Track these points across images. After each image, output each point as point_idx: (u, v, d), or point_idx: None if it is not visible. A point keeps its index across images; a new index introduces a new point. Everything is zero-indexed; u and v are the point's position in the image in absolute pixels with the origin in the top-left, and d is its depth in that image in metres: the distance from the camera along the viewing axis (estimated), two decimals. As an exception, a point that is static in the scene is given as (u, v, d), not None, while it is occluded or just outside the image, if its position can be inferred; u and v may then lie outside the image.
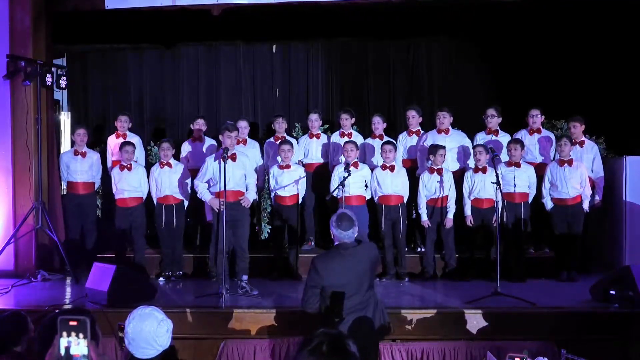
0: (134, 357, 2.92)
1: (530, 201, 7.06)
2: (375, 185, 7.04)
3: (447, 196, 6.97)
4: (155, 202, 7.23)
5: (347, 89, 9.47)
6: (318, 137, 7.88)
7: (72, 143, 8.12)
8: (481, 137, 7.52)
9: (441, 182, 6.95)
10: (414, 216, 7.42)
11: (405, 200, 7.08)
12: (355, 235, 4.25)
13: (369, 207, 7.11)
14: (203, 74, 9.56)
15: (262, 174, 7.74)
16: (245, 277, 6.42)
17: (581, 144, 7.22)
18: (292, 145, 7.30)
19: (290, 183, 7.10)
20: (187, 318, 5.51)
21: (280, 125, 7.89)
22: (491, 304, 5.67)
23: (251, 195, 6.58)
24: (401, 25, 8.79)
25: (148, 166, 7.74)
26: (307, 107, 9.24)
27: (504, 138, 7.42)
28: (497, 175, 6.10)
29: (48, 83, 7.45)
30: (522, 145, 7.04)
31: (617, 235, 7.39)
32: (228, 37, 9.24)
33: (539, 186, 7.07)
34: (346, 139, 7.50)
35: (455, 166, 7.40)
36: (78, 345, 2.06)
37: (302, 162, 7.72)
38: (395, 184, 7.00)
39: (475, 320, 5.42)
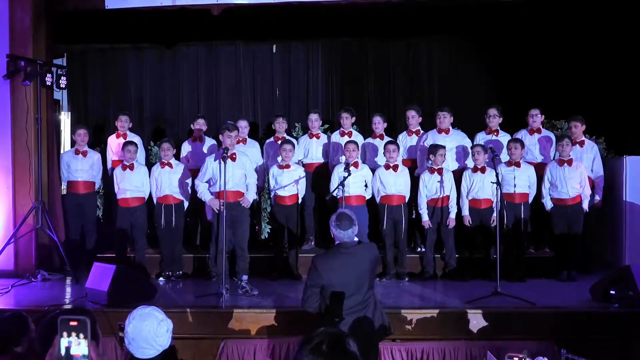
0: (134, 357, 2.92)
1: (530, 201, 7.06)
2: (378, 185, 7.05)
3: (447, 196, 6.97)
4: (155, 202, 7.23)
5: (347, 89, 9.47)
6: (318, 137, 7.88)
7: (73, 143, 8.12)
8: (481, 137, 7.52)
9: (441, 182, 6.95)
10: (413, 216, 7.41)
11: (407, 200, 7.08)
12: (355, 235, 4.24)
13: (369, 207, 7.11)
14: (203, 74, 9.56)
15: (262, 174, 7.74)
16: (245, 277, 6.43)
17: (581, 143, 7.22)
18: (293, 145, 7.30)
19: (290, 183, 7.10)
20: (187, 318, 5.51)
21: (281, 125, 7.89)
22: (491, 303, 5.67)
23: (251, 196, 6.58)
24: (401, 25, 8.79)
25: (148, 166, 7.73)
26: (307, 107, 9.24)
27: (504, 138, 7.42)
28: (497, 175, 6.10)
29: (48, 83, 7.45)
30: (522, 144, 7.04)
31: (617, 235, 7.39)
32: (228, 37, 9.24)
33: (539, 186, 7.08)
34: (346, 138, 7.51)
35: (455, 166, 7.40)
36: (78, 345, 2.05)
37: (302, 162, 7.72)
38: (399, 184, 7.01)
39: (475, 320, 5.43)
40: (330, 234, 4.39)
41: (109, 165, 7.87)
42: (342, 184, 6.52)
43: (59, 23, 7.90)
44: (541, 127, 7.56)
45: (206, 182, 6.55)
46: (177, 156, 7.52)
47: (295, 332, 5.25)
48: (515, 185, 6.89)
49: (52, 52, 7.92)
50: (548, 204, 7.03)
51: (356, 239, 4.30)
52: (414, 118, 7.64)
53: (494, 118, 7.45)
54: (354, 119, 7.79)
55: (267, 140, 8.03)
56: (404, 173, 7.08)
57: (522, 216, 6.93)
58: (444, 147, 7.05)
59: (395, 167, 7.00)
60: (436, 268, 7.15)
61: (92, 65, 9.63)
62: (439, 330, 5.44)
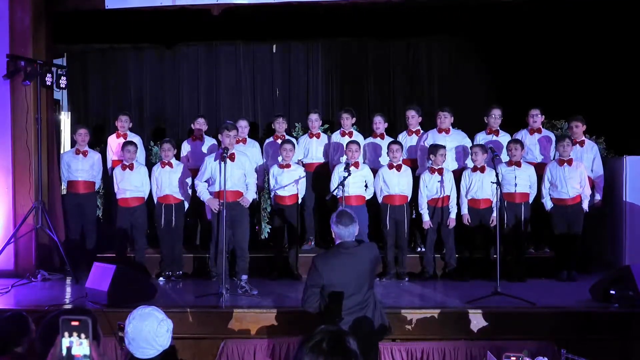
0: (134, 357, 2.92)
1: (530, 201, 7.06)
2: (381, 184, 7.05)
3: (447, 196, 6.98)
4: (155, 201, 7.24)
5: (347, 89, 9.47)
6: (318, 136, 7.88)
7: (73, 143, 8.13)
8: (482, 137, 7.52)
9: (442, 182, 6.95)
10: (413, 216, 7.42)
11: (409, 200, 7.08)
12: (356, 233, 4.24)
13: (369, 207, 7.11)
14: (203, 74, 9.56)
15: (262, 173, 7.74)
16: (244, 277, 6.42)
17: (581, 143, 7.22)
18: (293, 144, 7.31)
19: (290, 183, 7.10)
20: (187, 318, 5.51)
21: (281, 125, 7.89)
22: (491, 303, 5.67)
23: (250, 195, 6.58)
24: (401, 25, 8.79)
25: (149, 166, 7.74)
26: (307, 107, 9.24)
27: (504, 138, 7.43)
28: (497, 175, 6.10)
29: (48, 83, 7.45)
30: (522, 145, 7.05)
31: (617, 235, 7.39)
32: (228, 37, 9.24)
33: (539, 186, 7.08)
34: (347, 138, 7.52)
35: (456, 166, 7.41)
36: (80, 345, 2.05)
37: (302, 162, 7.73)
38: (402, 184, 7.01)
39: (475, 320, 5.43)
40: (330, 234, 4.39)
41: (109, 165, 7.87)
42: (342, 183, 6.52)
43: (59, 23, 7.90)
44: (541, 127, 7.56)
45: (205, 181, 6.55)
46: (177, 156, 7.52)
47: (295, 332, 5.26)
48: (516, 185, 6.89)
49: (52, 52, 7.92)
50: (548, 204, 7.03)
51: (356, 238, 4.30)
52: (413, 118, 7.64)
53: (499, 118, 7.46)
54: (354, 119, 7.79)
55: (267, 140, 8.03)
56: (407, 173, 7.09)
57: (523, 216, 6.93)
58: (444, 147, 7.05)
59: (398, 167, 7.01)
60: (436, 268, 7.15)
61: (92, 65, 9.63)
62: (439, 330, 5.44)
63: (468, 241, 7.11)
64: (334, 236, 4.29)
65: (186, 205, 7.31)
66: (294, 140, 7.62)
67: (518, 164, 6.95)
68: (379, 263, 5.14)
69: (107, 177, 7.86)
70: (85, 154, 7.58)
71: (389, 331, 4.46)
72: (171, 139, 7.57)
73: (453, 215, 6.99)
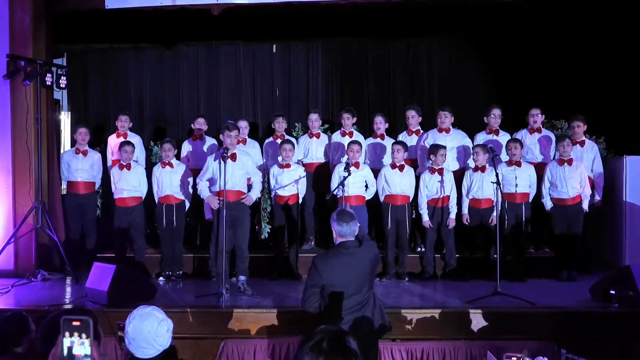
0: (134, 356, 2.92)
1: (530, 201, 7.06)
2: (383, 184, 7.05)
3: (447, 196, 6.98)
4: (156, 201, 7.23)
5: (347, 89, 9.48)
6: (318, 136, 7.88)
7: (73, 142, 8.13)
8: (482, 137, 7.52)
9: (442, 182, 6.95)
10: (414, 216, 7.42)
11: (410, 200, 7.08)
12: (356, 231, 4.23)
13: (369, 207, 7.11)
14: (203, 74, 9.57)
15: (262, 173, 7.73)
16: (243, 278, 6.39)
17: (582, 143, 7.22)
18: (293, 144, 7.31)
19: (290, 182, 7.11)
20: (187, 318, 5.51)
21: (280, 124, 7.89)
22: (491, 303, 5.68)
23: (254, 194, 6.56)
24: (401, 25, 8.79)
25: (149, 166, 7.74)
26: (307, 107, 9.24)
27: (504, 137, 7.43)
28: (497, 175, 6.10)
29: (48, 83, 7.45)
30: (522, 144, 7.05)
31: (617, 235, 7.39)
32: (228, 37, 9.24)
33: (539, 186, 7.08)
34: (347, 138, 7.52)
35: (456, 166, 7.41)
36: (81, 345, 2.05)
37: (302, 162, 7.73)
38: (404, 184, 7.01)
39: (475, 320, 5.43)
40: (330, 234, 4.39)
41: (109, 165, 7.86)
42: (342, 183, 6.52)
43: (59, 23, 7.90)
44: (541, 126, 7.57)
45: (207, 180, 6.55)
46: (177, 156, 7.52)
47: (295, 332, 5.26)
48: (516, 185, 6.90)
49: (52, 52, 7.92)
50: (548, 204, 7.03)
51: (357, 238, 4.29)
52: (413, 118, 7.65)
53: (499, 118, 7.47)
54: (355, 119, 7.79)
55: (267, 140, 8.03)
56: (409, 173, 7.08)
57: (523, 216, 6.93)
58: (444, 147, 7.05)
59: (401, 167, 7.01)
60: (436, 268, 7.15)
61: (92, 65, 9.63)
62: (439, 330, 5.44)
63: (468, 241, 7.11)
64: (334, 235, 4.27)
65: (187, 204, 7.31)
66: (293, 140, 7.62)
67: (518, 164, 6.95)
68: (378, 262, 5.15)
69: (108, 177, 7.85)
70: (85, 153, 7.58)
71: (389, 330, 4.47)
72: (172, 139, 7.56)
73: (453, 216, 6.99)
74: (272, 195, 7.35)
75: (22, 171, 7.38)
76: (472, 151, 7.15)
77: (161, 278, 7.10)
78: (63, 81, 7.65)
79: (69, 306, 5.85)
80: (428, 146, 7.23)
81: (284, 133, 7.91)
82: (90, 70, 9.64)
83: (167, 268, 7.17)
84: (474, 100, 8.70)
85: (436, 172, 6.98)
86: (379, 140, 7.70)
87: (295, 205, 7.17)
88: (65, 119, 9.54)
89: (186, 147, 7.87)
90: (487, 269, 6.66)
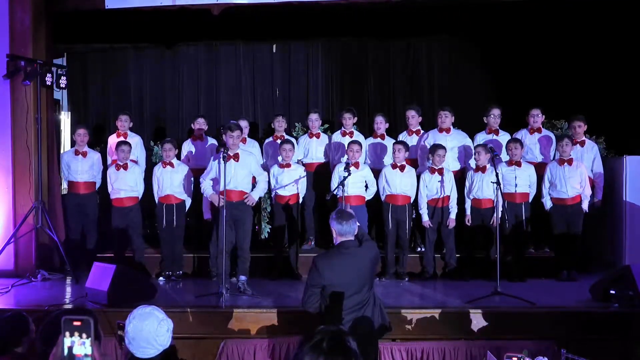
0: (134, 356, 2.92)
1: (530, 201, 7.06)
2: (383, 184, 7.05)
3: (447, 196, 6.98)
4: (156, 201, 7.24)
5: (347, 89, 9.48)
6: (318, 136, 7.88)
7: (73, 143, 8.12)
8: (482, 137, 7.53)
9: (442, 182, 6.95)
10: (414, 216, 7.42)
11: (412, 200, 7.09)
12: (356, 230, 4.23)
13: (369, 207, 7.11)
14: (203, 74, 9.58)
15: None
16: (243, 278, 6.37)
17: (582, 143, 7.22)
18: (293, 144, 7.31)
19: (290, 182, 7.11)
20: (187, 318, 5.51)
21: (280, 124, 7.89)
22: (491, 303, 5.68)
23: (257, 194, 6.53)
24: (401, 25, 8.80)
25: (150, 166, 7.74)
26: (307, 107, 9.24)
27: (504, 137, 7.43)
28: (497, 175, 6.10)
29: (48, 83, 7.45)
30: (522, 144, 7.05)
31: (617, 235, 7.39)
32: (228, 37, 9.24)
33: (539, 186, 7.08)
34: (347, 138, 7.52)
35: (456, 166, 7.41)
36: (82, 345, 2.06)
37: (302, 162, 7.73)
38: (404, 184, 7.01)
39: (475, 320, 5.43)
40: (330, 234, 4.38)
41: (109, 164, 7.85)
42: (342, 183, 6.52)
43: (59, 23, 7.90)
44: (541, 126, 7.57)
45: (210, 180, 6.55)
46: (178, 156, 7.52)
47: (295, 332, 5.26)
48: (516, 185, 6.90)
49: (52, 52, 7.92)
50: (547, 204, 7.03)
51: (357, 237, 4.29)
52: (413, 118, 7.65)
53: (499, 118, 7.47)
54: (355, 118, 7.80)
55: (267, 140, 8.03)
56: (410, 174, 7.08)
57: (523, 216, 6.93)
58: (443, 147, 7.05)
59: (402, 167, 7.00)
60: (436, 268, 7.15)
61: (92, 65, 9.64)
62: (439, 330, 5.44)
63: (468, 241, 7.11)
64: (333, 234, 4.26)
65: (187, 204, 7.30)
66: (293, 140, 7.62)
67: (518, 164, 6.95)
68: (378, 262, 5.15)
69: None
70: (84, 154, 7.57)
71: (389, 330, 4.47)
72: (172, 139, 7.55)
73: (453, 216, 6.99)
74: (272, 195, 7.35)
75: (22, 171, 7.38)
76: (473, 151, 7.15)
77: (161, 278, 7.10)
78: (63, 81, 7.65)
79: (69, 306, 5.85)
80: (428, 146, 7.24)
81: (284, 133, 7.91)
82: (90, 70, 9.64)
83: (167, 268, 7.16)
84: (474, 100, 8.70)
85: (436, 172, 6.98)
86: (379, 140, 7.71)
87: (296, 205, 7.17)
88: (65, 119, 9.54)
89: (187, 147, 7.86)
90: (487, 268, 6.66)
